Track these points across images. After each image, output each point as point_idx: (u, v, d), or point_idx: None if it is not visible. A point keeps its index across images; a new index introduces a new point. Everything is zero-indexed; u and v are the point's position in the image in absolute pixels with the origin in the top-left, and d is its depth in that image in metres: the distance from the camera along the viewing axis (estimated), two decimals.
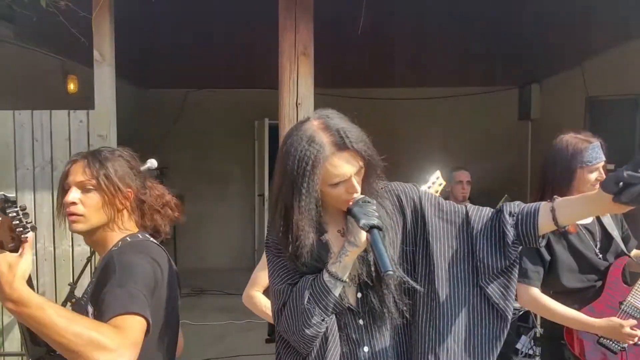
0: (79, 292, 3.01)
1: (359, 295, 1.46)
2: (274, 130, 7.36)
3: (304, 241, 1.35)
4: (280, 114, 3.36)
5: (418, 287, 1.45)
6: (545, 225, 1.36)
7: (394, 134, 6.75)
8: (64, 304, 2.98)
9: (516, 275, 1.43)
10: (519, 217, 1.39)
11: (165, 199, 1.59)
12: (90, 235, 1.50)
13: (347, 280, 1.38)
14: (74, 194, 1.45)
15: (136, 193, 1.53)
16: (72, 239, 3.29)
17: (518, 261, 1.41)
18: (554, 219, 1.33)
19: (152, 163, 2.81)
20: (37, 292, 3.18)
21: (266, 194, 6.48)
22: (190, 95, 6.78)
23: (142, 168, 2.91)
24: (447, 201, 1.52)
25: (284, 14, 3.30)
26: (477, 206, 1.50)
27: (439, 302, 1.45)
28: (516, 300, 1.98)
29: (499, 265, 1.40)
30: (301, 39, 3.31)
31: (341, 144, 1.32)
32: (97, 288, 1.37)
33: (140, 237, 1.49)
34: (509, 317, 1.41)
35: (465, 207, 1.49)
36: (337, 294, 1.37)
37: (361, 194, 1.38)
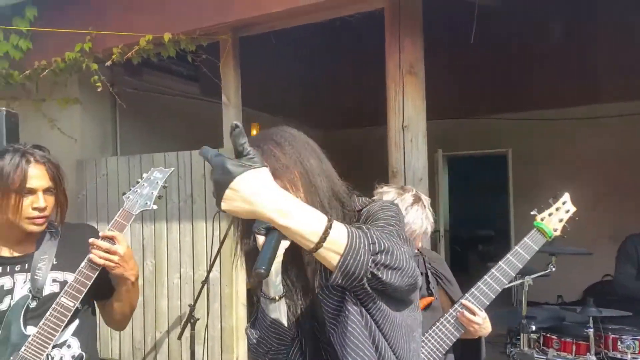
0: (198, 314, 3.28)
1: None
2: (453, 161, 6.99)
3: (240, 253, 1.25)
4: (388, 137, 3.17)
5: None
6: None
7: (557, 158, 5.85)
8: (185, 324, 3.28)
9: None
10: None
11: None
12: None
13: (278, 297, 1.20)
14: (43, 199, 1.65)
15: None
16: (207, 263, 3.61)
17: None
18: None
19: None
20: (181, 313, 3.52)
21: (441, 230, 6.08)
22: (372, 131, 6.98)
23: None
24: (391, 217, 1.18)
25: (389, 33, 3.18)
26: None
27: None
28: None
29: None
30: (406, 57, 3.12)
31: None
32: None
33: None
34: None
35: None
36: (273, 316, 1.20)
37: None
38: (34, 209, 1.62)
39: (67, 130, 4.04)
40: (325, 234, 0.93)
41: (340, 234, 0.96)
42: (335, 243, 0.95)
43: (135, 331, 3.91)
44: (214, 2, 3.27)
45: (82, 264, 1.62)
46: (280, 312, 1.20)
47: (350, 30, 3.61)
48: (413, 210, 1.90)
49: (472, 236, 8.22)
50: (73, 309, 1.60)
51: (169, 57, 3.63)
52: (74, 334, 1.68)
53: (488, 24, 4.57)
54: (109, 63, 3.37)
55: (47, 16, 3.73)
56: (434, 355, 1.85)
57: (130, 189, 1.77)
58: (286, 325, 1.21)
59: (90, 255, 1.61)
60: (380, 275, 0.99)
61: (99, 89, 3.48)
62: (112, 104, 4.28)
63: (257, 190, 0.89)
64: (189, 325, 3.23)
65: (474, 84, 6.10)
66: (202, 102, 5.29)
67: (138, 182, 1.78)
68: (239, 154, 0.91)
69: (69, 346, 1.67)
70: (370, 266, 0.97)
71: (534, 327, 3.16)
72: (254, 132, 6.01)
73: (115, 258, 1.60)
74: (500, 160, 6.65)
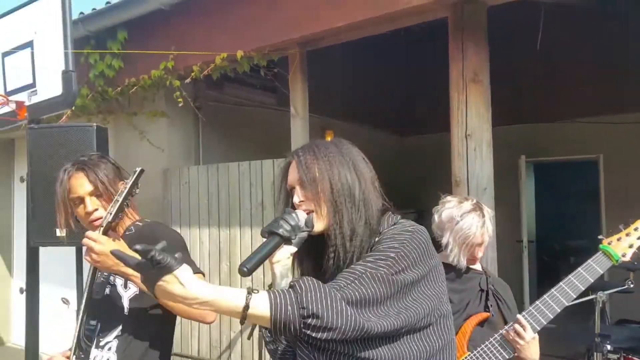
0: None
1: None
2: (540, 168, 6.65)
3: None
4: (451, 146, 3.15)
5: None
6: None
7: None
8: (253, 325, 3.44)
9: None
10: None
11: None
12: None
13: None
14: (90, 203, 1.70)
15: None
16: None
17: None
18: None
19: None
20: None
21: (525, 240, 5.83)
22: (446, 138, 6.86)
23: None
24: (384, 257, 1.16)
25: (452, 41, 3.16)
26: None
27: None
28: None
29: None
30: (470, 64, 3.09)
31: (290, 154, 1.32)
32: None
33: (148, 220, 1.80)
34: None
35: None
36: None
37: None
38: (85, 214, 1.70)
39: (155, 141, 4.40)
40: (244, 313, 1.06)
41: (261, 308, 1.07)
42: (258, 316, 1.07)
43: (212, 330, 4.17)
44: (280, 20, 3.44)
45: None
46: None
47: (417, 38, 3.62)
48: (469, 217, 1.93)
49: (562, 247, 7.76)
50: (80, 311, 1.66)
51: (244, 71, 3.86)
52: (117, 337, 1.71)
53: (579, 23, 4.36)
54: (188, 80, 3.65)
55: (136, 37, 4.11)
56: None
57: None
58: None
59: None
60: (314, 335, 1.07)
61: (180, 104, 3.77)
62: (196, 116, 4.60)
63: (176, 288, 1.07)
64: (257, 326, 3.39)
65: (560, 87, 5.81)
66: (279, 112, 5.49)
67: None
68: (153, 265, 1.07)
69: (109, 348, 1.70)
70: (301, 326, 1.06)
71: (609, 347, 2.97)
72: (328, 139, 6.15)
73: (93, 255, 1.55)
74: (590, 166, 6.25)
